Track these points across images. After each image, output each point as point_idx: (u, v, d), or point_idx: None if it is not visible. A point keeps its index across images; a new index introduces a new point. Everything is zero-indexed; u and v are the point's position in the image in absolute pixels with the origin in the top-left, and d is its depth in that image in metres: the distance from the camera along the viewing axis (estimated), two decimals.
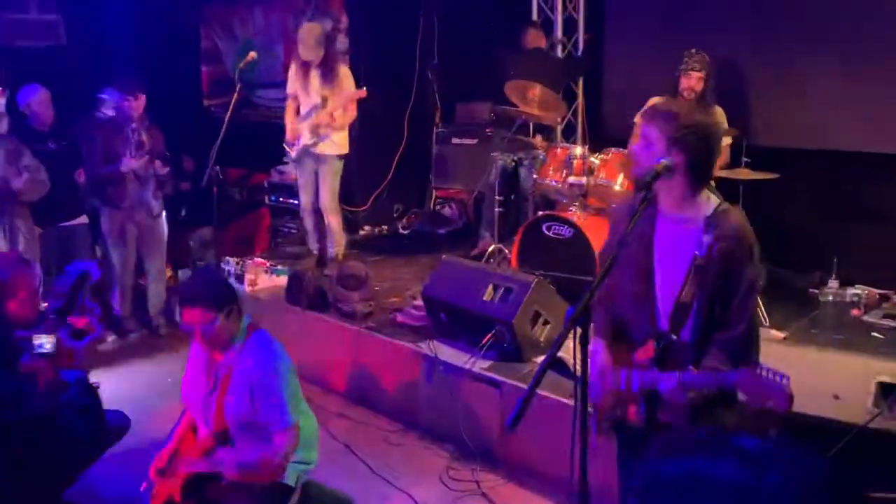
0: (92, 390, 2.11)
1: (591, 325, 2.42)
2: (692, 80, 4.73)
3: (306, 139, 5.47)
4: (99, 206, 5.33)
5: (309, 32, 5.38)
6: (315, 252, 5.92)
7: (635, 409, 2.37)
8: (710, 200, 2.32)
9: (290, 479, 2.95)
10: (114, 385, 4.07)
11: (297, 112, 5.56)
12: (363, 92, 5.34)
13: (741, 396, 2.19)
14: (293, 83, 5.53)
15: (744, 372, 2.08)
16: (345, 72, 5.44)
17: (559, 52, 6.39)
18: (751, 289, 2.25)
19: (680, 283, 2.27)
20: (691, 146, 2.22)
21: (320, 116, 5.37)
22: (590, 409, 2.29)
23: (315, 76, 5.38)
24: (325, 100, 5.34)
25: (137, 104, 5.13)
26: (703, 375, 2.18)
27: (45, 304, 2.07)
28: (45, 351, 2.08)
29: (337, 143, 5.50)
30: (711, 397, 2.23)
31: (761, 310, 4.51)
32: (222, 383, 2.85)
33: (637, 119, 5.00)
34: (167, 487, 2.90)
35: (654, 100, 4.89)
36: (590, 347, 2.35)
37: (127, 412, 3.22)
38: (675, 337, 2.29)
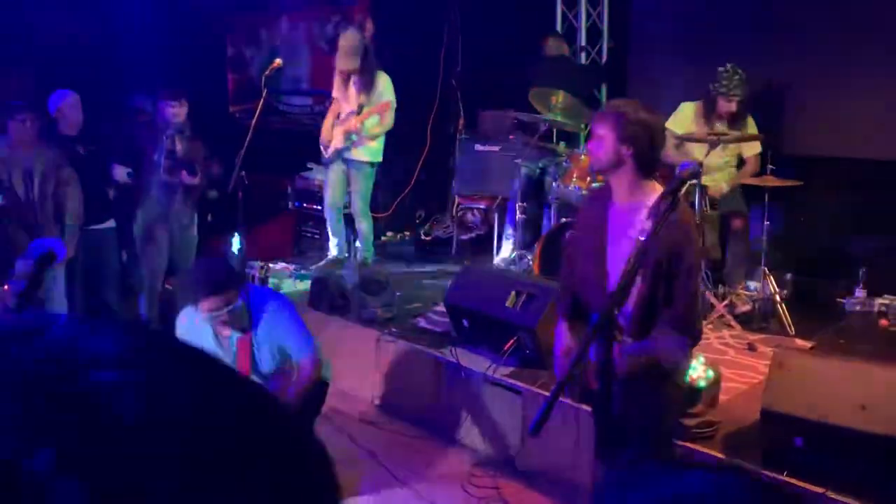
0: None
1: (557, 307, 2.90)
2: (733, 105, 4.68)
3: (338, 143, 5.53)
4: (131, 209, 5.41)
5: (345, 41, 5.45)
6: (335, 255, 5.95)
7: (593, 375, 2.60)
8: (656, 190, 2.57)
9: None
10: None
11: (338, 116, 5.62)
12: (387, 104, 5.38)
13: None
14: (336, 88, 5.63)
15: (652, 337, 2.49)
16: (383, 81, 5.47)
17: (583, 60, 6.39)
18: (688, 276, 2.51)
19: (624, 264, 2.45)
20: (638, 140, 2.52)
21: (352, 123, 5.42)
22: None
23: (353, 84, 5.44)
24: (360, 107, 5.40)
25: (181, 111, 5.20)
26: (635, 344, 2.54)
27: (7, 287, 1.93)
28: None
29: (371, 151, 5.55)
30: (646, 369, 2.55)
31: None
32: (241, 352, 3.16)
33: (668, 125, 4.98)
34: None
35: (686, 105, 4.88)
36: (555, 329, 2.83)
37: None
38: (617, 311, 2.47)
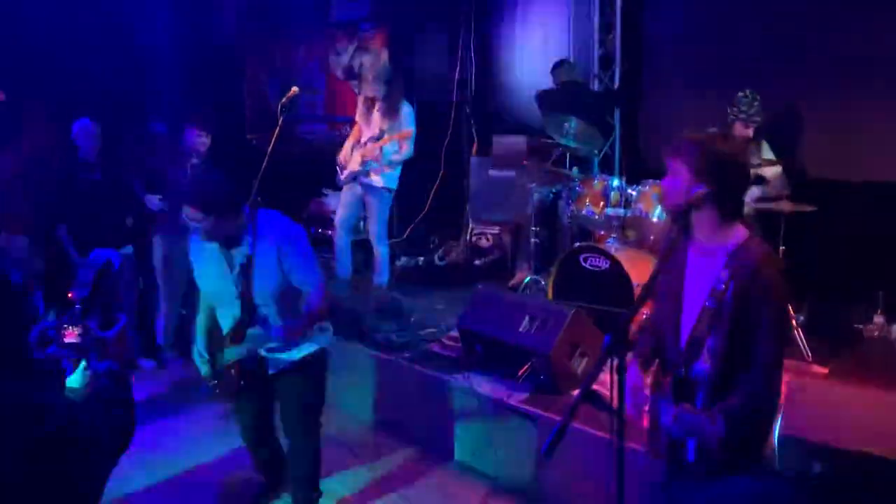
0: (123, 382, 2.04)
1: (635, 347, 2.54)
2: (750, 131, 4.70)
3: (354, 166, 5.57)
4: (151, 234, 5.47)
5: (373, 68, 5.53)
6: (344, 278, 5.95)
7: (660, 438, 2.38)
8: (738, 233, 2.28)
9: (328, 340, 3.44)
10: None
11: (359, 140, 5.69)
12: (408, 133, 5.44)
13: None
14: (358, 113, 5.70)
15: (698, 416, 2.15)
16: (406, 110, 5.51)
17: (596, 86, 6.43)
18: (770, 334, 2.18)
19: (696, 316, 2.26)
20: (717, 177, 2.20)
21: (369, 149, 5.47)
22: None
23: (377, 110, 5.51)
24: (381, 133, 5.45)
25: (207, 139, 5.29)
26: (691, 415, 2.19)
27: (71, 294, 2.04)
28: (72, 342, 2.03)
29: (388, 177, 5.59)
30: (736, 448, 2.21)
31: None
32: (244, 269, 3.12)
33: None
34: (228, 379, 3.30)
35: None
36: (628, 368, 2.40)
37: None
38: (684, 370, 2.27)
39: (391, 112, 5.44)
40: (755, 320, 2.17)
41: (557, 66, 6.09)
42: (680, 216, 2.25)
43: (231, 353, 3.26)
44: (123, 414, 1.94)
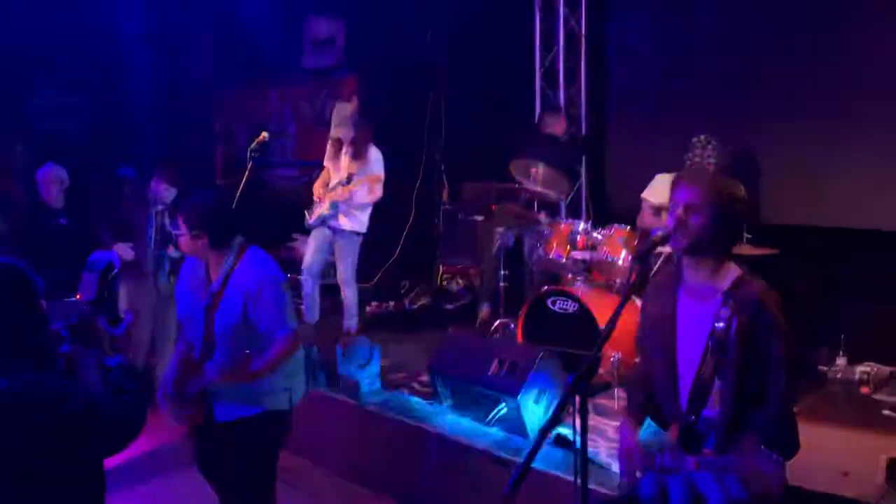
0: (135, 373, 2.20)
1: (627, 404, 2.48)
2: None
3: (323, 210, 5.59)
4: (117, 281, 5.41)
5: (341, 111, 5.60)
6: (312, 322, 5.90)
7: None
8: (732, 271, 2.24)
9: (283, 404, 3.12)
10: None
11: (327, 184, 5.70)
12: (377, 177, 5.48)
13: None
14: (327, 157, 5.74)
15: (744, 456, 1.99)
16: (374, 153, 5.57)
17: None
18: (780, 368, 2.12)
19: (699, 360, 2.17)
20: (732, 218, 2.19)
21: (339, 192, 5.49)
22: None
23: (345, 153, 5.55)
24: (350, 177, 5.48)
25: (172, 192, 5.28)
26: (715, 459, 2.07)
27: (79, 296, 2.18)
28: (83, 340, 2.22)
29: (357, 221, 5.61)
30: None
31: None
32: (215, 298, 3.03)
33: (645, 196, 5.10)
34: (189, 414, 3.12)
35: (661, 176, 5.00)
36: (620, 426, 2.41)
37: None
38: (693, 417, 2.17)
39: (359, 156, 5.50)
40: (765, 354, 2.11)
41: (543, 115, 6.19)
42: (642, 256, 2.26)
43: (191, 388, 3.06)
44: (135, 404, 2.10)
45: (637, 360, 2.61)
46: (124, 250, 5.22)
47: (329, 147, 5.75)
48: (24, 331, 1.93)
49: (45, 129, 7.07)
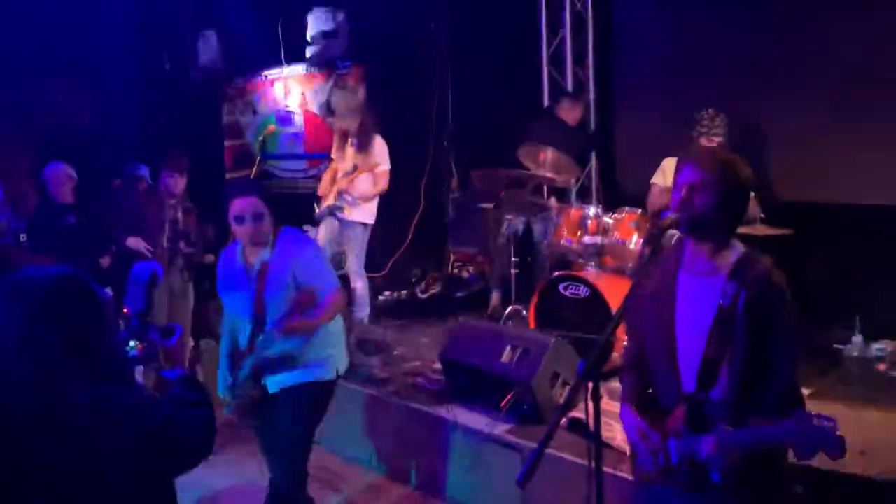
0: (197, 385, 2.12)
1: (621, 390, 2.42)
2: (713, 145, 4.76)
3: (329, 201, 5.58)
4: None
5: (343, 102, 5.58)
6: None
7: (674, 478, 2.20)
8: (737, 248, 2.21)
9: (329, 373, 3.40)
10: None
11: (335, 175, 5.70)
12: (381, 167, 5.46)
13: (790, 450, 1.99)
14: (334, 148, 5.73)
15: (788, 423, 1.92)
16: (379, 143, 5.55)
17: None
18: (789, 337, 2.10)
19: (705, 338, 2.13)
20: (738, 197, 2.17)
21: (344, 182, 5.49)
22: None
23: (350, 144, 5.54)
24: (354, 167, 5.48)
25: (181, 181, 5.28)
26: (741, 433, 2.03)
27: (126, 310, 2.14)
28: (137, 355, 2.14)
29: (364, 212, 5.60)
30: (758, 457, 2.06)
31: None
32: (259, 277, 3.24)
33: (655, 180, 5.07)
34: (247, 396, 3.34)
35: (670, 160, 4.97)
36: (620, 413, 2.35)
37: None
38: (703, 397, 2.14)
39: (364, 146, 5.48)
40: (775, 326, 2.08)
41: (561, 98, 6.14)
42: (654, 239, 2.23)
43: (244, 370, 3.30)
44: (207, 415, 2.01)
45: (626, 343, 2.55)
46: (136, 242, 5.24)
47: (335, 139, 5.74)
48: (97, 341, 1.81)
49: (48, 123, 7.08)
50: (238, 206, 3.23)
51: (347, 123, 5.50)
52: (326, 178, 5.75)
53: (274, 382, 3.34)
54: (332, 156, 5.76)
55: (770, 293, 2.10)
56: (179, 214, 5.29)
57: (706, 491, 2.13)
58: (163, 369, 2.22)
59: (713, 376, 2.12)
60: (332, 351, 3.42)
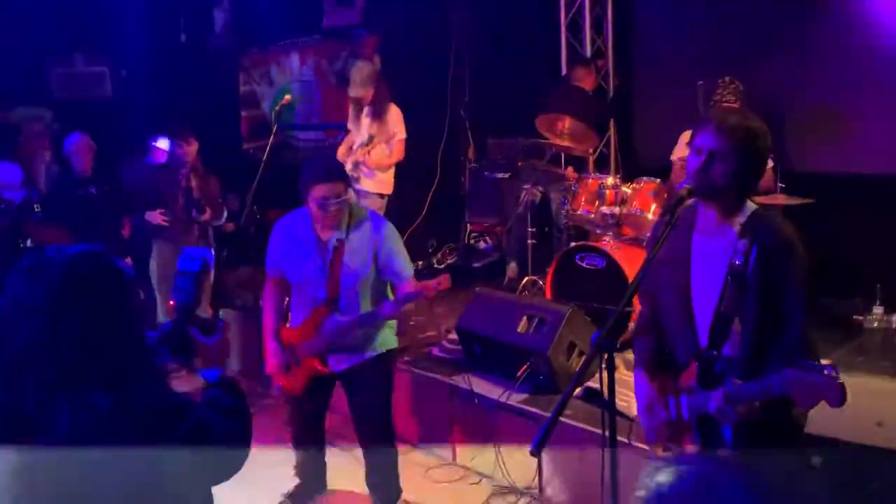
0: (236, 388, 1.93)
1: (634, 355, 2.44)
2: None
3: (347, 171, 5.56)
4: (150, 242, 5.48)
5: (357, 72, 5.53)
6: None
7: (689, 436, 2.26)
8: (747, 207, 2.22)
9: (392, 342, 3.57)
10: None
11: (352, 146, 5.69)
12: (397, 136, 5.43)
13: (792, 399, 1.99)
14: (350, 119, 5.69)
15: (786, 373, 1.93)
16: (394, 112, 5.51)
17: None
18: (799, 288, 2.11)
19: (718, 295, 2.16)
20: (760, 159, 2.18)
21: (360, 153, 5.47)
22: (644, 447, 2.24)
23: (365, 114, 5.51)
24: (370, 138, 5.46)
25: (190, 149, 5.28)
26: (748, 385, 2.04)
27: (172, 303, 1.96)
28: (167, 360, 1.91)
29: (381, 182, 5.59)
30: (767, 409, 2.06)
31: None
32: (336, 255, 3.25)
33: (674, 157, 5.00)
34: (300, 375, 3.41)
35: (686, 133, 4.90)
36: (633, 379, 2.39)
37: None
38: (715, 353, 2.17)
39: (379, 115, 5.45)
40: (784, 277, 2.10)
41: (576, 67, 6.07)
42: (671, 209, 2.16)
43: (309, 347, 3.35)
44: (241, 424, 1.82)
45: (640, 309, 2.56)
46: (153, 216, 5.28)
47: (350, 110, 5.70)
48: (122, 332, 1.60)
49: (68, 97, 7.11)
50: (323, 191, 3.19)
51: (363, 93, 5.47)
52: (342, 149, 5.73)
53: (341, 360, 3.42)
54: (349, 126, 5.74)
55: (779, 246, 2.11)
56: (193, 182, 5.31)
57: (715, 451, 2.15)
58: (201, 368, 1.98)
59: (725, 333, 2.15)
60: (391, 323, 3.58)
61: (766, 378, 2.00)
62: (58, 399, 1.49)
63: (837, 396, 1.86)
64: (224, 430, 1.72)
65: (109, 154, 5.74)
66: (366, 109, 5.51)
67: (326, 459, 3.89)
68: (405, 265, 3.39)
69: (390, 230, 3.41)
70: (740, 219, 2.20)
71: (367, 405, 3.53)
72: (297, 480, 3.83)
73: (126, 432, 1.51)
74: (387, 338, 3.53)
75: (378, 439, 3.58)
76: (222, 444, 1.69)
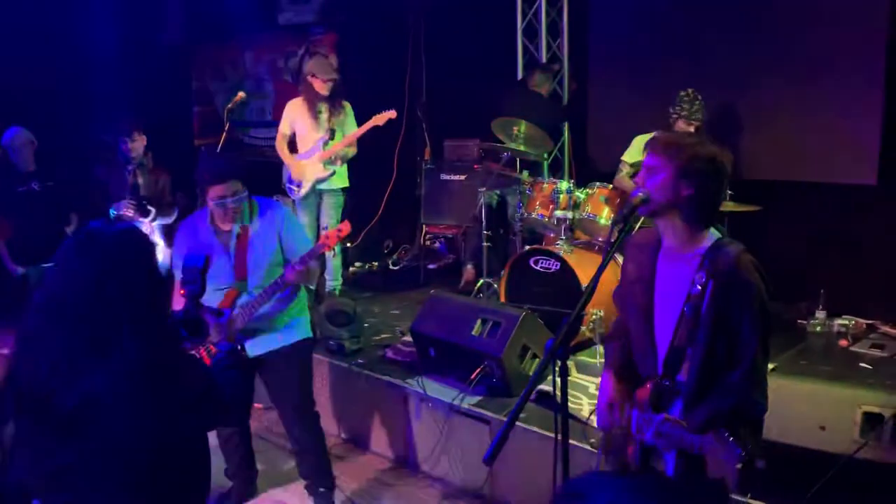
0: (241, 359, 2.40)
1: (604, 357, 2.54)
2: (692, 129, 4.75)
3: (320, 173, 5.44)
4: None
5: (320, 66, 5.44)
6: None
7: (632, 449, 2.30)
8: (710, 236, 2.22)
9: (309, 332, 3.69)
10: None
11: (295, 150, 5.59)
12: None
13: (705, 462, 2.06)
14: (295, 120, 5.50)
15: (707, 438, 1.99)
16: (348, 107, 5.52)
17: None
18: (752, 326, 2.10)
19: (674, 325, 2.18)
20: (702, 180, 2.14)
21: (330, 151, 5.38)
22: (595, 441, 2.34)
23: (324, 109, 5.43)
24: (333, 132, 5.38)
25: (135, 145, 5.14)
26: (676, 430, 2.09)
27: (182, 292, 2.28)
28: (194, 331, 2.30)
29: (342, 177, 5.54)
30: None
31: None
32: (239, 242, 3.38)
33: (624, 158, 5.07)
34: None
35: (639, 138, 4.97)
36: (600, 379, 2.44)
37: None
38: (667, 382, 2.19)
39: (338, 108, 5.41)
40: (738, 319, 2.10)
41: (534, 71, 6.10)
42: (622, 219, 2.21)
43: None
44: (245, 388, 2.34)
45: (616, 316, 2.62)
46: (121, 206, 5.13)
47: (297, 109, 5.50)
48: (151, 297, 1.85)
49: (10, 88, 6.87)
50: (219, 191, 3.27)
51: (328, 87, 5.40)
52: (287, 156, 5.51)
53: (257, 344, 3.45)
54: (287, 128, 5.51)
55: (735, 283, 2.10)
56: (140, 179, 5.18)
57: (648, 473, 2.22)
58: (216, 342, 2.59)
59: (678, 362, 2.17)
60: (305, 314, 3.68)
61: (690, 435, 2.05)
62: (102, 348, 1.73)
63: (731, 481, 1.95)
64: (232, 393, 2.09)
65: (53, 149, 5.57)
66: (323, 105, 5.43)
67: (259, 466, 3.90)
68: (305, 241, 3.56)
69: (289, 213, 3.59)
70: (702, 247, 2.20)
71: (286, 392, 3.60)
72: (228, 483, 3.80)
73: (151, 377, 1.76)
74: (302, 326, 3.63)
75: (301, 428, 3.65)
76: (224, 396, 2.02)
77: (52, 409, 1.70)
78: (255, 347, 3.46)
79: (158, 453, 1.77)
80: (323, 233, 3.58)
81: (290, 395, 3.61)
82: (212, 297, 3.36)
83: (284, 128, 5.55)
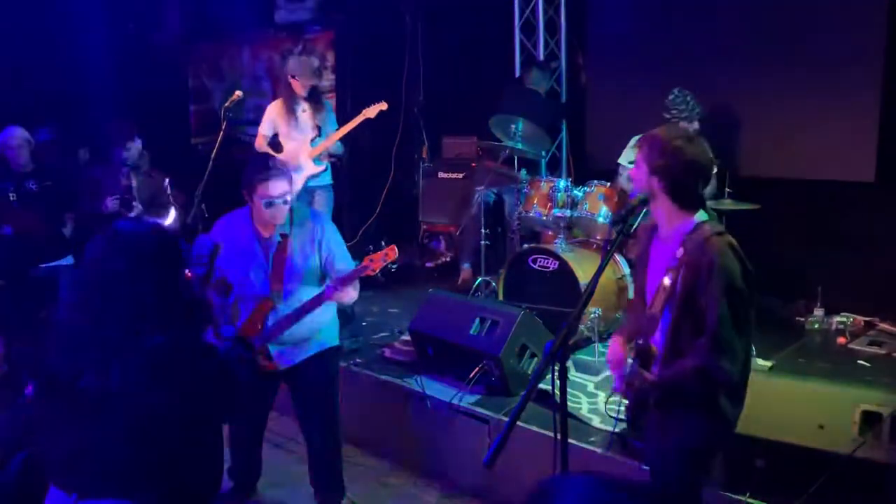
0: (248, 344, 2.50)
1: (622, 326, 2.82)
2: (695, 125, 4.73)
3: (312, 169, 5.42)
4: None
5: (303, 64, 5.42)
6: None
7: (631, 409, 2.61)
8: (695, 219, 2.44)
9: (338, 339, 3.66)
10: None
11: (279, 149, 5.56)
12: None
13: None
14: (276, 121, 5.48)
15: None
16: (329, 104, 5.55)
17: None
18: (715, 295, 2.29)
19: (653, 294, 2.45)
20: (670, 172, 2.37)
21: (319, 148, 5.35)
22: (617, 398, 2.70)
23: (306, 108, 5.41)
24: (319, 129, 5.37)
25: (130, 153, 5.14)
26: (636, 375, 2.45)
27: (189, 274, 2.30)
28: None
29: (328, 172, 5.52)
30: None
31: None
32: (280, 248, 3.32)
33: (621, 160, 5.07)
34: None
35: (636, 139, 4.96)
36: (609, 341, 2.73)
37: None
38: (641, 342, 2.47)
39: (319, 108, 5.40)
40: (702, 291, 2.31)
41: (531, 67, 6.08)
42: (621, 218, 2.35)
43: (255, 342, 3.32)
44: (250, 371, 2.36)
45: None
46: (110, 203, 5.11)
47: (279, 110, 5.46)
48: (175, 290, 1.96)
49: (8, 88, 6.84)
50: (269, 189, 3.21)
51: (311, 86, 5.38)
52: (264, 147, 5.48)
53: (288, 357, 3.43)
54: (268, 129, 5.49)
55: (703, 260, 2.32)
56: (133, 182, 5.17)
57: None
58: (221, 326, 2.60)
59: (653, 327, 2.45)
60: (334, 321, 3.65)
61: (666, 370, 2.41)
62: (131, 338, 1.82)
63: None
64: (237, 372, 2.16)
65: (52, 148, 5.55)
66: (304, 105, 5.40)
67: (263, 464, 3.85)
68: (347, 259, 3.45)
69: (331, 226, 3.50)
70: (686, 229, 2.43)
71: (311, 401, 3.55)
72: (229, 483, 3.77)
73: (172, 362, 1.86)
74: (329, 335, 3.58)
75: (323, 437, 3.59)
76: (236, 384, 2.09)
77: (77, 391, 1.79)
78: (284, 359, 3.42)
79: (174, 441, 1.84)
80: (367, 257, 3.34)
81: (316, 403, 3.55)
82: (243, 306, 3.37)
83: (265, 129, 5.53)
